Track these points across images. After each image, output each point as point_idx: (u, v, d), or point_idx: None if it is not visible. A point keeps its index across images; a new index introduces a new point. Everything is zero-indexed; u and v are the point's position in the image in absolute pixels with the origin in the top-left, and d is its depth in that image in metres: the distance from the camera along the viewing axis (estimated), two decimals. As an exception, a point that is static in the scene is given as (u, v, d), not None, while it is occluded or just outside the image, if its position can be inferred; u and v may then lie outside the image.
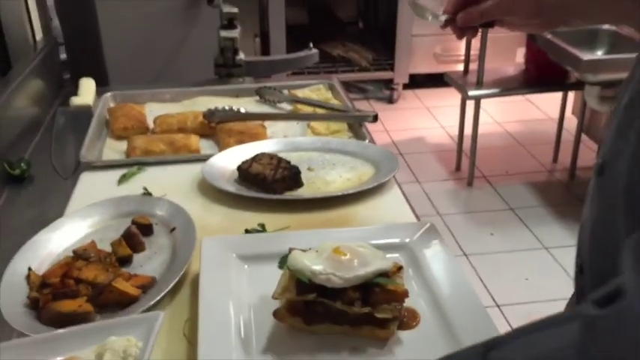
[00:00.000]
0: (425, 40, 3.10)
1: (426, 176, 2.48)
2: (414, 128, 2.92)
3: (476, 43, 2.37)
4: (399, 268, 0.60)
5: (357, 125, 1.07)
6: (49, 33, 1.26)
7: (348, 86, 3.24)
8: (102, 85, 1.22)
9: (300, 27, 3.34)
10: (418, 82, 3.20)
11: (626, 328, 0.29)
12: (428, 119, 3.01)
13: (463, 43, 2.73)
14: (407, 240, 0.69)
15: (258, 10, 2.84)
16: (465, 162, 2.47)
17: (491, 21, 0.62)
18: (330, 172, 0.92)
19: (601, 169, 0.47)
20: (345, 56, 3.16)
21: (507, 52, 3.02)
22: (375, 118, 1.05)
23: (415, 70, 3.14)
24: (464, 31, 0.63)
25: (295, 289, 0.56)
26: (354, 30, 3.56)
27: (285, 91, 1.22)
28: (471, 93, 2.28)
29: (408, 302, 0.58)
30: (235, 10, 1.25)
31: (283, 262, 0.62)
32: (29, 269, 0.68)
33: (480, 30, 0.65)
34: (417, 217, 0.81)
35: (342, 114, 1.11)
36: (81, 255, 0.70)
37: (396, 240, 0.69)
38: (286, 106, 1.19)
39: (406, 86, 3.19)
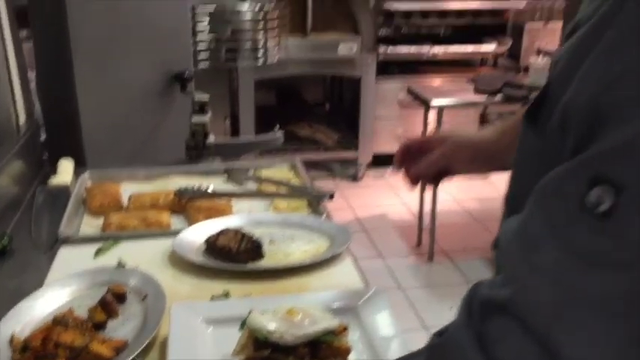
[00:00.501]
0: (387, 122, 3.28)
1: (389, 251, 2.58)
2: (377, 205, 3.04)
3: (432, 123, 2.54)
4: (345, 329, 0.68)
5: (315, 202, 1.17)
6: (32, 116, 1.36)
7: (314, 165, 3.39)
8: (80, 165, 1.31)
9: (268, 108, 3.50)
10: (381, 161, 3.36)
11: (445, 356, 0.40)
12: (390, 197, 3.14)
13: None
14: (354, 304, 0.78)
15: (228, 92, 2.99)
16: (426, 238, 2.58)
17: (440, 177, 0.78)
18: (290, 245, 1.01)
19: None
20: (312, 137, 3.32)
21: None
22: (331, 197, 1.16)
23: (378, 149, 3.30)
24: (416, 182, 0.78)
25: (253, 346, 0.64)
26: (320, 112, 3.74)
27: (251, 171, 1.33)
28: (429, 172, 2.42)
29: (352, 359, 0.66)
30: (206, 97, 1.37)
31: (244, 323, 0.70)
32: (12, 334, 0.75)
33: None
34: (367, 284, 0.90)
35: (302, 192, 1.22)
36: (60, 321, 0.77)
37: (345, 303, 0.78)
38: (252, 185, 1.29)
39: (370, 165, 3.35)
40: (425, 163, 0.77)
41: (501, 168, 0.70)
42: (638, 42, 0.38)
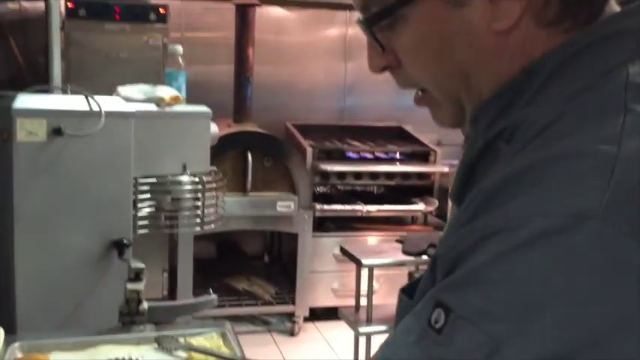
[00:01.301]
0: (324, 276, 3.37)
1: (323, 411, 2.55)
2: (313, 360, 3.04)
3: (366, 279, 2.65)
4: None
5: (242, 373, 1.22)
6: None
7: (252, 319, 3.39)
8: (10, 333, 1.32)
9: (208, 261, 3.55)
10: (318, 314, 3.40)
11: None
12: (327, 351, 3.15)
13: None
14: None
15: (168, 243, 3.04)
16: (360, 395, 2.58)
17: None
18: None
19: None
20: (250, 290, 3.36)
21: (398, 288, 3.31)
22: (258, 367, 1.21)
23: (315, 303, 3.36)
24: None
25: None
26: (259, 264, 3.81)
27: (182, 339, 1.37)
28: (362, 329, 2.49)
29: None
30: (142, 265, 1.43)
31: None
32: None
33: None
34: None
35: (230, 362, 1.26)
36: None
37: None
38: (182, 354, 1.33)
39: (307, 319, 3.38)
40: None
41: None
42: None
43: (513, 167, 0.50)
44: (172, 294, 2.83)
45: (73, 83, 3.00)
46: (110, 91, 1.80)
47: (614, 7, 0.57)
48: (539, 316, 0.44)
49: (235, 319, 3.06)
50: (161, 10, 2.97)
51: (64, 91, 1.71)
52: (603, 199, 0.45)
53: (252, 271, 3.56)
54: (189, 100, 3.51)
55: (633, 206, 0.45)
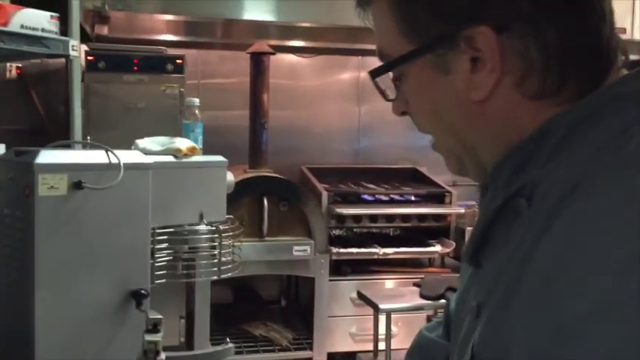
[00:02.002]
0: (342, 321, 3.35)
1: None
2: (332, 408, 3.00)
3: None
4: None
5: None
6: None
7: (270, 365, 3.36)
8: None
9: (224, 306, 3.55)
10: (337, 360, 3.37)
11: None
12: (346, 398, 3.10)
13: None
14: None
15: (185, 290, 3.05)
16: None
17: None
18: None
19: None
20: (267, 335, 3.33)
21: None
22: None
23: (333, 348, 3.32)
24: None
25: None
26: (276, 308, 3.79)
27: (200, 391, 1.37)
28: (380, 377, 2.46)
29: None
30: (160, 316, 1.45)
31: None
32: None
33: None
34: None
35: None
36: None
37: None
38: (199, 406, 1.32)
39: (325, 364, 3.34)
40: None
41: None
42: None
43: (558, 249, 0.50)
44: (189, 341, 2.82)
45: (93, 133, 3.09)
46: (130, 139, 1.84)
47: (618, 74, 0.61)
48: None
49: (253, 365, 3.05)
50: (178, 61, 3.04)
51: (84, 146, 1.76)
52: None
53: (269, 316, 3.55)
54: (207, 144, 3.57)
55: None
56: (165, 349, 2.32)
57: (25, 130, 3.20)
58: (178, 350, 2.47)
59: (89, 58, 2.90)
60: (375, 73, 0.67)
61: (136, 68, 3.02)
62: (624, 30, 3.10)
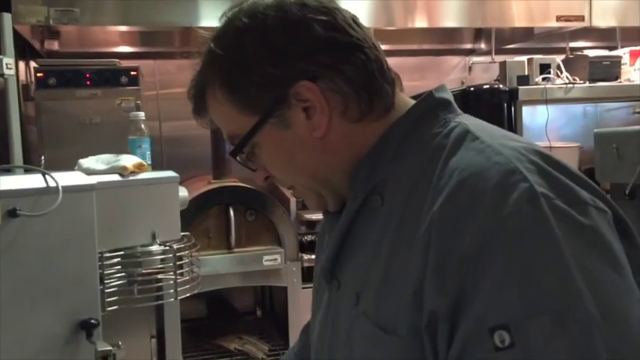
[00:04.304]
0: (317, 328, 3.27)
1: None
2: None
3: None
4: None
5: None
6: None
7: (246, 379, 3.27)
8: None
9: (198, 320, 3.46)
10: (315, 369, 3.29)
11: None
12: (326, 408, 3.03)
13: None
14: None
15: (155, 309, 2.96)
16: None
17: None
18: None
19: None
20: (242, 349, 3.24)
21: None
22: None
23: (310, 357, 3.25)
24: None
25: None
26: (251, 319, 3.70)
27: None
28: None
29: None
30: (109, 347, 1.36)
31: None
32: None
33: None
34: None
35: None
36: None
37: None
38: None
39: (303, 374, 3.26)
40: None
41: None
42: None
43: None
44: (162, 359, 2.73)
45: (47, 152, 2.97)
46: (86, 156, 1.75)
47: (401, 96, 0.83)
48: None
49: (229, 381, 2.96)
50: (132, 73, 2.95)
51: (26, 169, 1.66)
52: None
53: (244, 328, 3.46)
54: (169, 156, 3.47)
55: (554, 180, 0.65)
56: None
57: (-23, 153, 3.08)
58: (151, 371, 2.39)
59: (39, 74, 2.79)
60: (234, 154, 0.80)
61: (88, 83, 2.92)
62: (582, 17, 3.08)
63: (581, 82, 3.21)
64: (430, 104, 0.79)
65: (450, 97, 0.81)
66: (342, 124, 0.77)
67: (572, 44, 3.73)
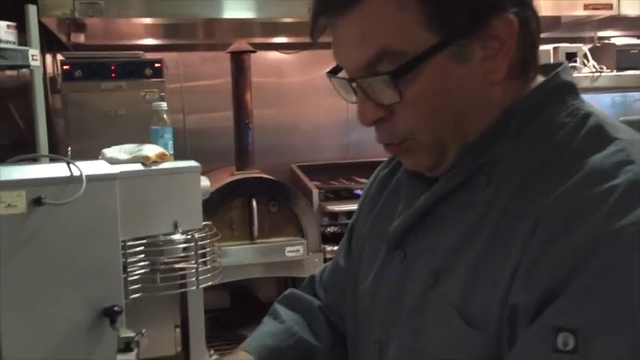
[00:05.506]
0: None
1: None
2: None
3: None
4: None
5: None
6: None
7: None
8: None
9: (222, 310, 3.49)
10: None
11: None
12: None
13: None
14: None
15: (179, 299, 2.99)
16: None
17: None
18: None
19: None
20: (265, 339, 3.26)
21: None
22: None
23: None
24: None
25: None
26: (274, 310, 3.72)
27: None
28: None
29: None
30: (132, 334, 1.38)
31: None
32: None
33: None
34: None
35: None
36: None
37: None
38: None
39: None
40: None
41: None
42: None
43: (575, 195, 0.61)
44: (186, 349, 2.77)
45: (73, 144, 3.01)
46: (111, 147, 1.77)
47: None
48: None
49: (252, 370, 2.98)
50: (156, 65, 2.98)
51: (51, 159, 1.69)
52: None
53: (267, 318, 3.48)
54: (193, 148, 3.49)
55: None
56: (162, 358, 2.27)
57: (6, 146, 3.14)
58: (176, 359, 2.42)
59: (65, 67, 2.83)
60: (399, 72, 0.66)
61: (113, 75, 2.95)
62: (610, 6, 3.02)
63: (609, 70, 3.15)
64: (556, 87, 0.72)
65: (574, 80, 0.74)
66: (507, 78, 0.69)
67: (600, 33, 3.67)
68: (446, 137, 0.71)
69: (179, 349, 2.94)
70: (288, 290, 1.10)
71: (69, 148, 2.96)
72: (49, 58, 3.19)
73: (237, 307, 3.64)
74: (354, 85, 0.73)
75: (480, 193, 0.69)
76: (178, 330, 2.98)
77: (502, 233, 0.65)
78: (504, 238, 0.64)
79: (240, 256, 3.00)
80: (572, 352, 0.54)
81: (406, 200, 0.81)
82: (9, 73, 3.12)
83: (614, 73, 3.16)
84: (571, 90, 0.72)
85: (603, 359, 0.53)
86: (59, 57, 3.12)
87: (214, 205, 2.74)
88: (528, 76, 0.72)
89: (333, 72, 0.78)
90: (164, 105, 1.78)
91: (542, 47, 3.32)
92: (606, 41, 3.41)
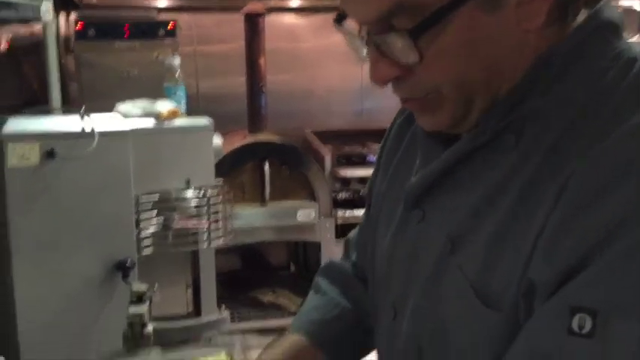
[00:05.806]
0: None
1: None
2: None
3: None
4: None
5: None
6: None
7: (280, 331, 3.32)
8: (12, 362, 1.29)
9: (232, 273, 3.51)
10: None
11: None
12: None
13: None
14: None
15: (190, 259, 3.01)
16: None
17: None
18: None
19: None
20: (276, 302, 3.30)
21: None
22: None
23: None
24: None
25: None
26: (285, 274, 3.74)
27: (187, 363, 1.31)
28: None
29: None
30: (144, 287, 1.39)
31: None
32: None
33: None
34: None
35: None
36: None
37: None
38: (186, 379, 1.27)
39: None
40: None
41: None
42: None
43: (606, 160, 0.54)
44: (197, 309, 2.80)
45: (87, 103, 3.01)
46: (124, 108, 1.77)
47: None
48: None
49: (262, 332, 3.01)
50: (169, 26, 2.95)
51: (65, 112, 1.69)
52: None
53: (277, 282, 3.51)
54: (207, 112, 3.47)
55: None
56: (173, 317, 2.29)
57: (20, 104, 3.14)
58: (187, 318, 2.44)
59: (78, 25, 2.81)
60: (424, 25, 0.57)
61: (126, 35, 2.93)
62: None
63: (631, 35, 3.10)
64: (597, 25, 0.62)
65: (618, 17, 0.64)
66: (544, 23, 0.60)
67: (623, 2, 3.59)
68: (474, 92, 0.62)
69: (190, 309, 2.97)
70: (328, 260, 1.04)
71: (82, 107, 2.97)
72: (62, 18, 3.16)
73: (248, 270, 3.66)
74: (364, 39, 0.62)
75: (506, 153, 0.61)
76: (190, 290, 3.02)
77: (529, 198, 0.58)
78: (530, 204, 0.57)
79: (251, 218, 3.01)
80: (587, 336, 0.49)
81: (423, 157, 0.73)
82: (22, 31, 3.11)
83: (637, 38, 3.10)
84: (616, 29, 0.62)
85: (621, 346, 0.48)
86: (73, 17, 3.09)
87: (226, 167, 2.73)
88: (567, 19, 0.61)
89: (340, 20, 0.65)
90: (177, 62, 1.76)
91: None
92: (628, 7, 3.34)
